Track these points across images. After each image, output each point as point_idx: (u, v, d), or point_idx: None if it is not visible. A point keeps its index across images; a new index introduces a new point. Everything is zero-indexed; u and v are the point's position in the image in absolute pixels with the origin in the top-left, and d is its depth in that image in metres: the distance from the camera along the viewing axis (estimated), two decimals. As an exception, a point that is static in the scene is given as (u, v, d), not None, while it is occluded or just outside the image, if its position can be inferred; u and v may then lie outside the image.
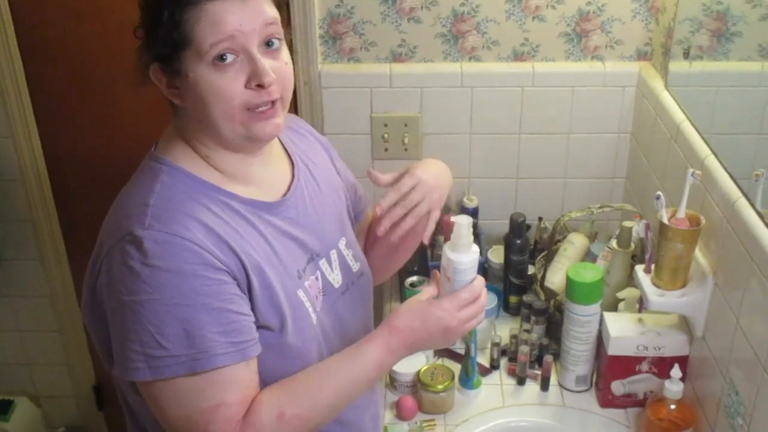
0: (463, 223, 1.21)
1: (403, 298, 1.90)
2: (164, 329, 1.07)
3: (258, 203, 1.21)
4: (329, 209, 1.37)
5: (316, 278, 1.29)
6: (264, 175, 1.25)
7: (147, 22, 1.13)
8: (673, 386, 1.49)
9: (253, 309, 1.15)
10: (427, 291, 1.25)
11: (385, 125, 2.08)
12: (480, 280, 1.24)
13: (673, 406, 1.51)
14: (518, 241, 1.91)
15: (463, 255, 1.21)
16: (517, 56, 2.03)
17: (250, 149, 1.22)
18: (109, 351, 1.15)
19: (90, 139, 2.28)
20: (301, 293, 1.24)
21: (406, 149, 2.09)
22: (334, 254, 1.34)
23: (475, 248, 1.22)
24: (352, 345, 1.22)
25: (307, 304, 1.24)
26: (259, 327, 1.16)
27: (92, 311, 1.16)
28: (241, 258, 1.13)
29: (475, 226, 2.10)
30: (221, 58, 1.10)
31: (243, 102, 1.13)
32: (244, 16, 1.11)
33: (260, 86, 1.12)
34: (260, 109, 1.14)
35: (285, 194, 1.27)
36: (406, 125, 2.07)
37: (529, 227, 1.99)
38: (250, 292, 1.15)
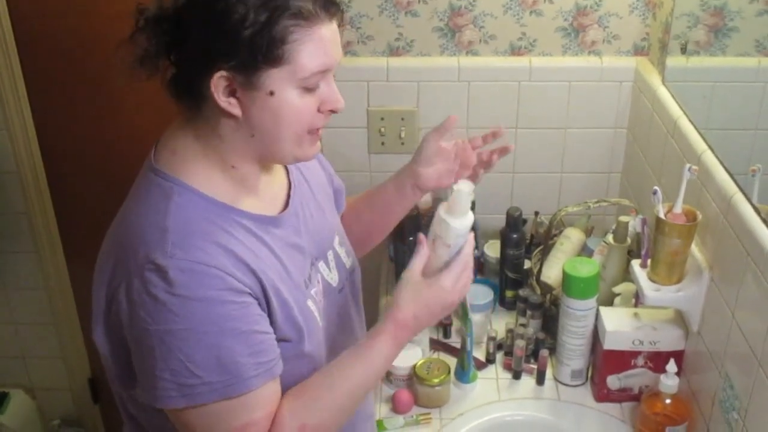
0: (464, 190, 1.20)
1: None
2: (195, 357, 1.05)
3: (265, 218, 1.19)
4: (323, 210, 1.37)
5: (318, 281, 1.29)
6: (266, 184, 1.23)
7: (224, 25, 1.04)
8: (669, 381, 1.49)
9: (272, 324, 1.15)
10: (418, 262, 1.23)
11: (382, 119, 2.07)
12: (470, 245, 1.23)
13: (668, 401, 1.51)
14: (514, 236, 1.91)
15: (464, 220, 1.20)
16: (514, 50, 2.03)
17: (279, 163, 1.24)
18: (128, 374, 1.13)
19: (86, 132, 2.28)
20: (310, 303, 1.24)
21: (402, 143, 2.09)
22: (330, 254, 1.34)
23: (471, 213, 1.22)
24: (357, 345, 1.21)
25: (316, 313, 1.25)
26: (277, 341, 1.16)
27: (108, 337, 1.13)
28: (260, 278, 1.12)
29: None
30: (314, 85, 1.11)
31: (311, 125, 1.14)
32: (337, 44, 1.12)
33: (333, 111, 1.14)
34: (317, 131, 1.16)
35: (285, 203, 1.26)
36: (402, 119, 2.07)
37: (525, 221, 1.99)
38: (269, 309, 1.14)
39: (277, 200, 1.25)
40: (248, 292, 1.10)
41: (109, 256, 1.12)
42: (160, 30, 1.08)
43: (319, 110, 1.14)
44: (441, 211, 1.22)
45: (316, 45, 1.07)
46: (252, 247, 1.14)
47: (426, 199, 2.04)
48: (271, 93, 1.08)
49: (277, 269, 1.17)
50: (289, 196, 1.27)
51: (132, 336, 1.09)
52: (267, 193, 1.23)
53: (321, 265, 1.31)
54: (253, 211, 1.17)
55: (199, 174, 1.13)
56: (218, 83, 1.06)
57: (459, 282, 1.21)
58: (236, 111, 1.09)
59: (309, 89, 1.10)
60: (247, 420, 1.10)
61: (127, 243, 1.09)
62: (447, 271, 1.21)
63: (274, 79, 1.07)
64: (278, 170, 1.29)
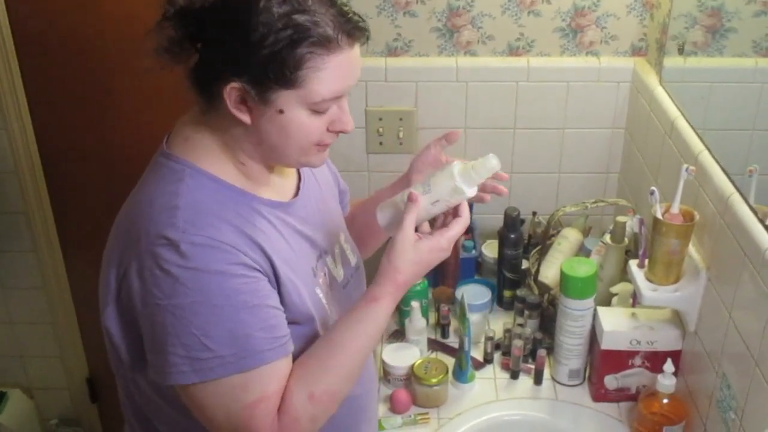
0: (494, 163, 1.20)
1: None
2: (209, 331, 1.06)
3: (276, 203, 1.22)
4: (329, 206, 1.39)
5: (324, 274, 1.30)
6: (276, 177, 1.26)
7: (244, 40, 1.05)
8: (666, 380, 1.50)
9: (282, 305, 1.16)
10: (410, 221, 1.19)
11: (380, 119, 2.08)
12: (467, 208, 1.24)
13: (665, 401, 1.52)
14: (512, 236, 1.92)
15: (474, 189, 1.21)
16: (512, 51, 2.03)
17: (284, 166, 1.26)
18: (138, 356, 1.14)
19: (84, 131, 2.28)
20: (318, 290, 1.26)
21: (401, 143, 2.09)
22: (336, 249, 1.36)
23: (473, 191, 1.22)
24: (357, 308, 1.20)
25: (324, 301, 1.26)
26: (288, 323, 1.16)
27: (119, 318, 1.14)
28: (270, 258, 1.14)
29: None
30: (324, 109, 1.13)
31: (319, 140, 1.16)
32: (356, 68, 1.14)
33: (342, 132, 1.17)
34: (325, 145, 1.19)
35: (295, 194, 1.29)
36: (401, 119, 2.07)
37: (523, 222, 1.99)
38: (279, 289, 1.16)
39: (287, 190, 1.28)
40: (258, 269, 1.12)
41: (119, 239, 1.14)
42: (186, 23, 1.10)
43: (328, 129, 1.16)
44: (456, 172, 1.20)
45: (331, 73, 1.09)
46: (263, 229, 1.16)
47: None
48: (281, 111, 1.10)
49: (287, 252, 1.19)
50: (298, 187, 1.30)
51: (144, 314, 1.09)
52: (277, 183, 1.26)
53: (328, 259, 1.32)
54: (264, 196, 1.20)
55: (211, 159, 1.16)
56: (231, 92, 1.08)
57: (452, 240, 1.21)
58: (246, 119, 1.11)
59: (317, 113, 1.13)
60: (260, 395, 1.10)
61: (138, 224, 1.11)
62: (446, 230, 1.20)
63: (286, 99, 1.09)
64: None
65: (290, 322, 1.16)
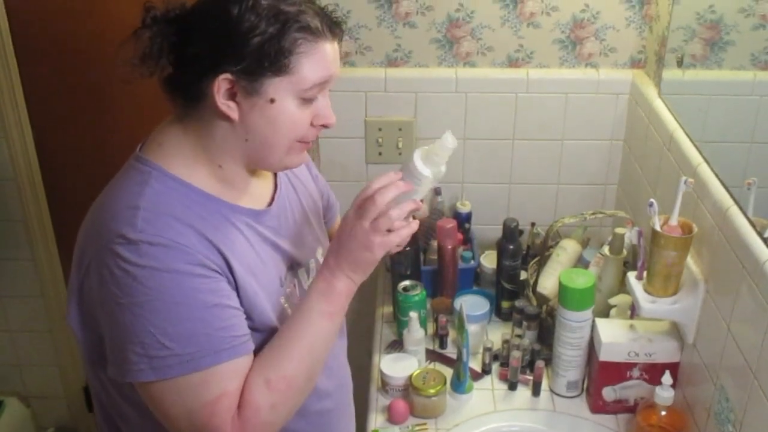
0: (449, 140, 1.20)
1: (395, 302, 1.90)
2: (166, 329, 1.07)
3: (245, 210, 1.22)
4: (307, 219, 1.39)
5: (294, 285, 1.31)
6: (252, 185, 1.26)
7: (234, 31, 1.08)
8: (664, 392, 1.50)
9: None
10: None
11: (380, 129, 2.08)
12: (420, 195, 1.22)
13: (663, 413, 1.51)
14: (511, 247, 1.92)
15: (440, 169, 1.21)
16: (512, 62, 2.03)
17: (266, 170, 1.27)
18: (98, 353, 1.15)
19: (84, 140, 2.28)
20: (283, 300, 1.26)
21: (400, 153, 2.09)
22: (312, 264, 1.36)
23: (443, 170, 1.22)
24: (307, 293, 1.20)
25: (289, 311, 1.27)
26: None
27: (79, 315, 1.15)
28: (229, 261, 1.15)
29: (468, 231, 2.11)
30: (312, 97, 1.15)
31: (303, 136, 1.18)
32: (337, 61, 1.16)
33: (325, 126, 1.19)
34: (307, 143, 1.20)
35: (269, 204, 1.29)
36: (400, 129, 2.08)
37: (521, 232, 1.99)
38: (238, 295, 1.16)
39: (261, 200, 1.28)
40: (217, 270, 1.12)
41: (83, 237, 1.15)
42: (167, 29, 1.12)
43: (312, 124, 1.18)
44: (416, 157, 1.21)
45: (319, 59, 1.12)
46: (226, 234, 1.16)
47: (423, 210, 2.04)
48: (272, 100, 1.12)
49: (251, 258, 1.20)
50: (273, 198, 1.30)
51: (103, 312, 1.10)
52: (251, 192, 1.26)
53: (300, 271, 1.33)
54: (236, 203, 1.21)
55: (181, 164, 1.17)
56: (221, 86, 1.10)
57: (379, 222, 1.16)
58: (234, 114, 1.13)
59: (307, 100, 1.15)
60: (220, 393, 1.11)
61: (99, 223, 1.12)
62: (388, 233, 1.17)
63: (276, 87, 1.11)
64: (265, 174, 1.32)
65: (249, 329, 1.17)
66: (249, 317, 1.17)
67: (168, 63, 1.14)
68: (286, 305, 1.26)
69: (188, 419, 1.11)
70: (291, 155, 1.20)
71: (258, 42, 1.08)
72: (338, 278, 1.19)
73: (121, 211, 1.10)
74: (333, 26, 1.16)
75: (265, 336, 1.20)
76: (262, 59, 1.09)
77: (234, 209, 1.20)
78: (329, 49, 1.14)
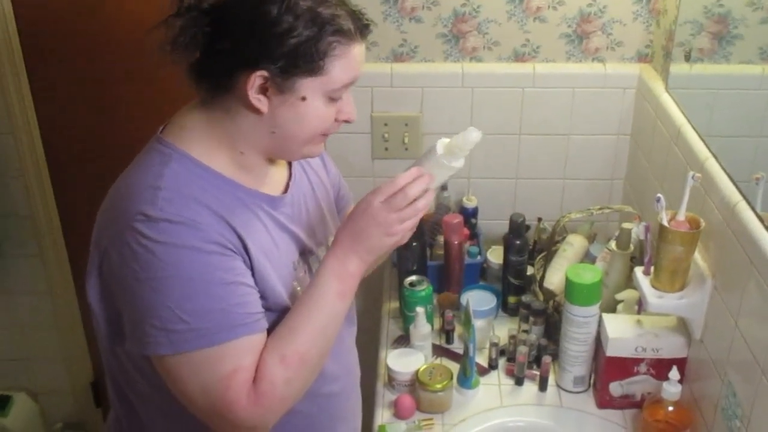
0: (474, 135, 1.25)
1: (402, 297, 1.90)
2: (183, 304, 1.10)
3: (263, 196, 1.25)
4: (320, 208, 1.42)
5: (305, 272, 1.33)
6: (271, 171, 1.30)
7: (270, 31, 1.11)
8: (671, 388, 1.49)
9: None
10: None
11: (386, 125, 2.08)
12: (436, 182, 1.26)
13: (670, 408, 1.51)
14: (517, 242, 1.91)
15: (461, 161, 1.26)
16: (518, 57, 2.03)
17: (285, 159, 1.31)
18: (116, 328, 1.17)
19: (91, 136, 2.28)
20: (296, 283, 1.29)
21: (406, 149, 2.09)
22: (322, 251, 1.38)
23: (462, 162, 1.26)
24: (325, 270, 1.22)
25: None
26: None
27: (100, 293, 1.18)
28: (245, 242, 1.18)
29: (474, 226, 2.11)
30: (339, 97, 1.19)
31: (327, 129, 1.22)
32: (363, 61, 1.21)
33: (346, 121, 1.23)
34: (327, 135, 1.25)
35: (284, 191, 1.32)
36: (406, 125, 2.08)
37: (528, 228, 1.99)
38: (253, 275, 1.19)
39: (277, 186, 1.32)
40: (233, 250, 1.15)
41: (104, 215, 1.18)
42: (201, 20, 1.14)
43: (336, 119, 1.22)
44: (439, 149, 1.25)
45: (349, 60, 1.17)
46: (243, 217, 1.19)
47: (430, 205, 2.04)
48: (303, 98, 1.16)
49: (266, 242, 1.23)
50: (288, 186, 1.33)
51: (122, 287, 1.13)
52: (268, 179, 1.29)
53: (312, 258, 1.36)
54: (254, 188, 1.24)
55: (202, 148, 1.20)
56: (254, 81, 1.13)
57: (394, 204, 1.20)
58: (263, 108, 1.16)
59: (333, 99, 1.19)
60: (235, 367, 1.13)
61: (120, 202, 1.15)
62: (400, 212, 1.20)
63: (308, 86, 1.15)
64: (281, 161, 1.35)
65: (263, 308, 1.19)
66: (263, 297, 1.20)
67: (197, 51, 1.17)
68: (298, 288, 1.29)
69: (204, 393, 1.13)
70: (311, 146, 1.25)
71: (295, 43, 1.11)
72: (351, 260, 1.22)
73: (142, 191, 1.13)
74: (364, 29, 1.19)
75: (278, 316, 1.22)
76: (298, 60, 1.12)
77: (251, 194, 1.23)
78: (359, 50, 1.19)
